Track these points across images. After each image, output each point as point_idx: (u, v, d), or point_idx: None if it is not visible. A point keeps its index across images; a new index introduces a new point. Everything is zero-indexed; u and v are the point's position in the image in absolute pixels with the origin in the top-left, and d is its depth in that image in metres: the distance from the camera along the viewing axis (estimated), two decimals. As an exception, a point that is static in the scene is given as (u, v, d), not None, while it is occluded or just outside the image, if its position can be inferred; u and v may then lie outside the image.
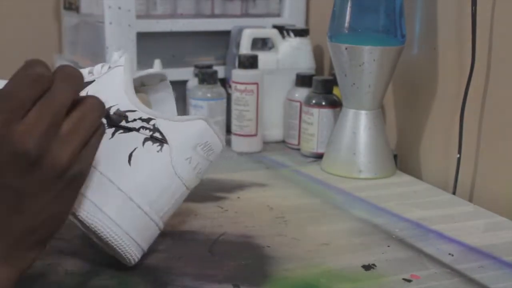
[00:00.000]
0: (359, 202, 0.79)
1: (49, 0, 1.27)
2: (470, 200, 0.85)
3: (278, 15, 1.18)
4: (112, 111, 0.60)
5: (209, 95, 1.02)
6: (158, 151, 0.59)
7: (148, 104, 0.68)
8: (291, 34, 1.08)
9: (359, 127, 0.89)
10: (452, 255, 0.64)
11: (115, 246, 0.56)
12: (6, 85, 0.45)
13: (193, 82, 1.09)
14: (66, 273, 0.58)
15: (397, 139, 1.00)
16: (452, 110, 0.88)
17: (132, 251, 0.57)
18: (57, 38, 1.28)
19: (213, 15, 1.13)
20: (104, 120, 0.60)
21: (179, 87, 1.09)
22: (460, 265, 0.62)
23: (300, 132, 1.01)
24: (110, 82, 0.63)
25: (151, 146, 0.59)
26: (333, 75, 0.95)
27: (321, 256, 0.64)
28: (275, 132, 1.08)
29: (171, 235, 0.68)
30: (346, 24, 0.87)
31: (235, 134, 1.01)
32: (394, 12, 0.86)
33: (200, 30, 1.11)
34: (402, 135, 0.99)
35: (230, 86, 1.05)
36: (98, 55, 1.06)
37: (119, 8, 1.03)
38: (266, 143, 1.05)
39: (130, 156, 0.58)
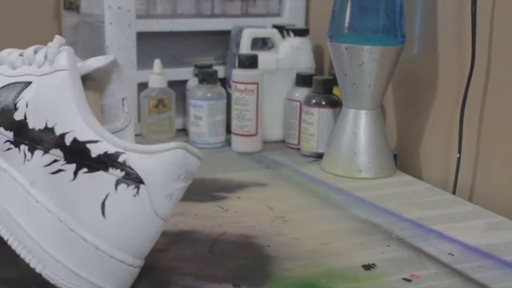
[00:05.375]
0: (359, 202, 0.79)
1: (49, 0, 1.27)
2: (470, 200, 0.85)
3: (278, 15, 1.18)
4: (68, 141, 0.50)
5: (209, 95, 1.02)
6: (134, 195, 0.49)
7: (99, 101, 0.58)
8: (291, 34, 1.08)
9: (359, 127, 0.89)
10: (452, 255, 0.64)
11: None
12: None
13: (193, 82, 1.09)
14: (66, 273, 0.58)
15: (397, 139, 1.00)
16: (452, 110, 0.88)
17: None
18: (57, 38, 1.28)
19: (213, 15, 1.13)
20: (60, 153, 0.50)
21: (179, 87, 1.10)
22: (460, 264, 0.62)
23: (300, 132, 1.01)
24: (54, 93, 0.52)
25: (125, 189, 0.49)
26: (333, 75, 0.95)
27: (321, 256, 0.64)
28: (275, 132, 1.08)
29: (171, 235, 0.68)
30: (346, 24, 0.87)
31: (235, 134, 1.01)
32: (394, 12, 0.86)
33: (200, 30, 1.11)
34: (402, 135, 0.99)
35: (230, 86, 1.05)
36: (98, 55, 1.06)
37: (119, 8, 1.03)
38: (266, 143, 1.05)
39: (103, 205, 0.49)
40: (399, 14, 0.86)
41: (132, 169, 0.49)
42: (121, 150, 0.50)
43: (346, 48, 0.87)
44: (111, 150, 0.50)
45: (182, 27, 1.10)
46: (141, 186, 0.49)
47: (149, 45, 1.08)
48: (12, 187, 0.52)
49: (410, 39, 0.92)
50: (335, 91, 0.98)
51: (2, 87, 0.55)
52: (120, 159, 0.49)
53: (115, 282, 0.51)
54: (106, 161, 0.49)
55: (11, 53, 0.57)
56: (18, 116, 0.53)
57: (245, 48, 1.05)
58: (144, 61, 1.07)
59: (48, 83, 0.52)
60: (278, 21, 1.16)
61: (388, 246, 0.66)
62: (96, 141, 0.50)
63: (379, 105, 0.90)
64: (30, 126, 0.52)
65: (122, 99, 0.60)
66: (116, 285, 0.51)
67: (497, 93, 0.82)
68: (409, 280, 0.59)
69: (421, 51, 0.94)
